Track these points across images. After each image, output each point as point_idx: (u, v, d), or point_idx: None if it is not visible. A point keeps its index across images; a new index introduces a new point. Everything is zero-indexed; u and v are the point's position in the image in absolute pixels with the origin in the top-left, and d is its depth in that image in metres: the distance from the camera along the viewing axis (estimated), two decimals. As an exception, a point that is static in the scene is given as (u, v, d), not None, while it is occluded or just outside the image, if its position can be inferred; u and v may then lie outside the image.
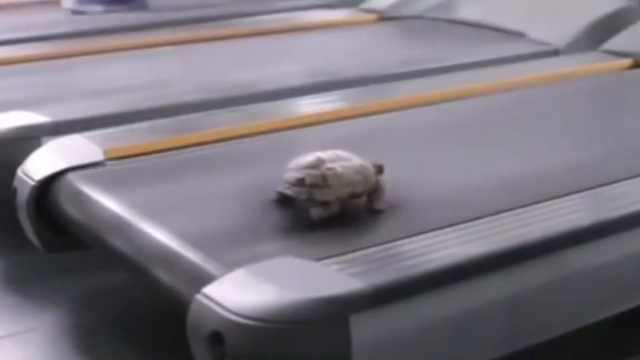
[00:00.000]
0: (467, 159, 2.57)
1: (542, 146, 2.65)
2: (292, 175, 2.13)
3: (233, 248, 2.01)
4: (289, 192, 2.12)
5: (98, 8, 4.98)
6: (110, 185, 2.41)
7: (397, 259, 1.91)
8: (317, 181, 2.09)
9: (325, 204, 2.11)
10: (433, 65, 3.64)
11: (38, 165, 2.59)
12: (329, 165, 2.11)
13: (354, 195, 2.14)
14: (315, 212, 2.11)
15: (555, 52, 3.91)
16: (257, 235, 2.08)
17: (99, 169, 2.55)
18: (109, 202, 2.31)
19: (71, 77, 3.60)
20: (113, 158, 2.60)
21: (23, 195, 2.53)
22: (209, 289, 1.84)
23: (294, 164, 2.16)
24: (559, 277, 2.02)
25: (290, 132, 2.82)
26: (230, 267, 1.89)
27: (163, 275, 2.03)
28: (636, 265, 2.14)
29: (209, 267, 1.93)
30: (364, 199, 2.17)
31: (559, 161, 2.52)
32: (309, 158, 2.15)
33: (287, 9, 5.03)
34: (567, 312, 2.05)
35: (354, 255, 1.93)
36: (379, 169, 2.23)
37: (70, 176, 2.49)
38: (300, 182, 2.10)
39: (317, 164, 2.12)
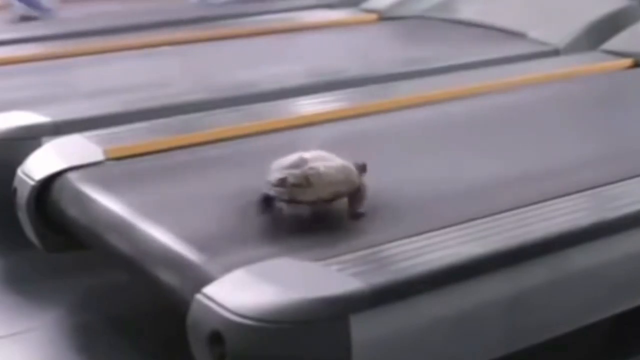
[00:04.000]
0: (467, 158, 2.57)
1: (542, 146, 2.65)
2: (274, 175, 2.11)
3: (233, 248, 2.01)
4: (271, 192, 2.11)
5: None
6: (110, 185, 2.40)
7: (397, 259, 1.91)
8: (300, 181, 2.08)
9: (307, 204, 2.10)
10: (433, 65, 3.64)
11: (38, 165, 2.59)
12: (311, 164, 2.10)
13: (338, 196, 2.13)
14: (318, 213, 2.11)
15: (555, 52, 3.91)
16: (257, 236, 2.08)
17: (99, 169, 2.55)
18: (109, 202, 2.30)
19: (71, 77, 3.60)
20: (113, 158, 2.60)
21: (23, 195, 2.53)
22: (209, 289, 1.84)
23: (277, 165, 2.15)
24: (559, 277, 2.02)
25: (290, 132, 2.82)
26: (230, 267, 1.89)
27: (163, 276, 2.04)
28: (636, 265, 2.14)
29: (209, 267, 1.93)
30: (345, 203, 2.15)
31: (559, 161, 2.52)
32: (291, 158, 2.14)
33: (287, 9, 5.02)
34: (567, 312, 2.05)
35: (353, 256, 1.93)
36: (362, 168, 2.22)
37: (71, 176, 2.49)
38: (282, 183, 2.09)
39: (299, 163, 2.11)
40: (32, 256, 2.80)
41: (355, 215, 2.14)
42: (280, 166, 2.13)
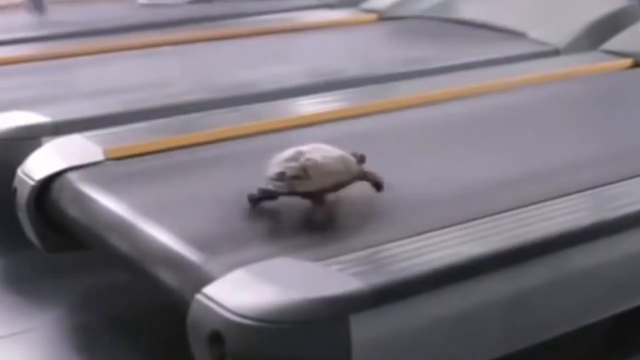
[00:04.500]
0: (467, 158, 2.57)
1: (542, 146, 2.65)
2: (272, 170, 2.11)
3: (233, 248, 2.01)
4: (270, 187, 2.11)
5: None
6: (110, 185, 2.41)
7: (397, 259, 1.91)
8: (298, 173, 2.08)
9: (307, 195, 2.10)
10: (433, 65, 3.64)
11: (38, 165, 2.59)
12: (308, 156, 2.10)
13: (340, 185, 2.12)
14: (318, 213, 2.11)
15: (555, 52, 3.91)
16: (257, 235, 2.08)
17: (99, 169, 2.55)
18: (109, 202, 2.31)
19: (71, 77, 3.60)
20: (113, 158, 2.60)
21: (23, 195, 2.53)
22: (209, 289, 1.84)
23: (275, 159, 2.15)
24: (559, 277, 2.02)
25: (290, 132, 2.82)
26: (230, 267, 1.89)
27: (163, 275, 2.03)
28: (636, 265, 2.14)
29: (209, 267, 1.93)
30: (353, 190, 2.17)
31: (559, 161, 2.52)
32: (288, 152, 2.14)
33: (287, 9, 5.03)
34: (567, 312, 2.05)
35: (354, 256, 1.93)
36: (361, 159, 2.23)
37: (71, 176, 2.49)
38: (280, 176, 2.09)
39: (297, 156, 2.11)
40: (32, 256, 2.80)
41: (379, 186, 2.19)
42: (278, 160, 2.13)
